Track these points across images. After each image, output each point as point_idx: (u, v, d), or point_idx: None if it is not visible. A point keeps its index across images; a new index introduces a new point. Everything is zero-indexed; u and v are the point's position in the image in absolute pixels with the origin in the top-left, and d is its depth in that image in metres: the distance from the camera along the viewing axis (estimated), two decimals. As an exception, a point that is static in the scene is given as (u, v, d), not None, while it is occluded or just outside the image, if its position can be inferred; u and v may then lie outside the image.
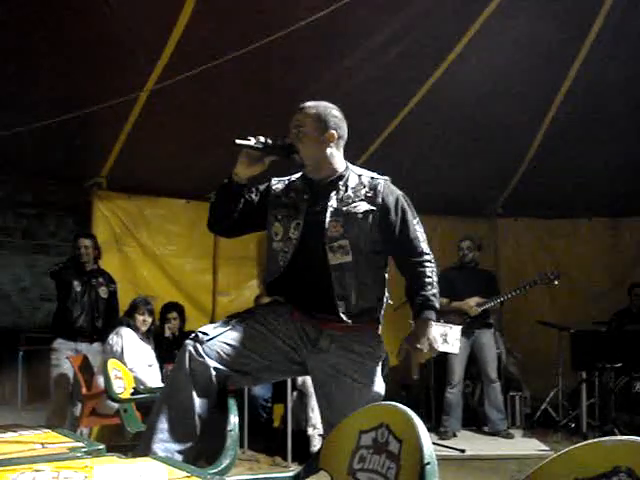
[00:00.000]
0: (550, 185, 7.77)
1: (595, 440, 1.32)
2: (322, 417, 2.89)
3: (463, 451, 6.16)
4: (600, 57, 6.28)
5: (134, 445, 4.77)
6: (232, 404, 2.58)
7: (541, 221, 8.48)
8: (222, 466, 2.33)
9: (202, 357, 2.65)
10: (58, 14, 4.82)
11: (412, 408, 1.80)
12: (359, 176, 2.95)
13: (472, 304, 6.81)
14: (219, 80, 5.60)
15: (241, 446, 6.02)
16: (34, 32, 4.97)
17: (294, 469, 2.20)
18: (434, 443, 6.27)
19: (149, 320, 5.97)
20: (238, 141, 2.87)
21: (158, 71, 5.41)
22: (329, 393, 2.77)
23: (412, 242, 2.90)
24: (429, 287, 2.82)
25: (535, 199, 8.14)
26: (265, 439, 6.41)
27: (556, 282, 6.71)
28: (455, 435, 6.78)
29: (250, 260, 7.63)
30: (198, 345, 2.68)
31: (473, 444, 6.51)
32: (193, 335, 2.75)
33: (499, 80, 6.25)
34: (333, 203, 2.86)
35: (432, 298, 2.81)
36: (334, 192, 2.89)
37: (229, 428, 2.50)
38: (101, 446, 2.33)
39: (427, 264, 2.87)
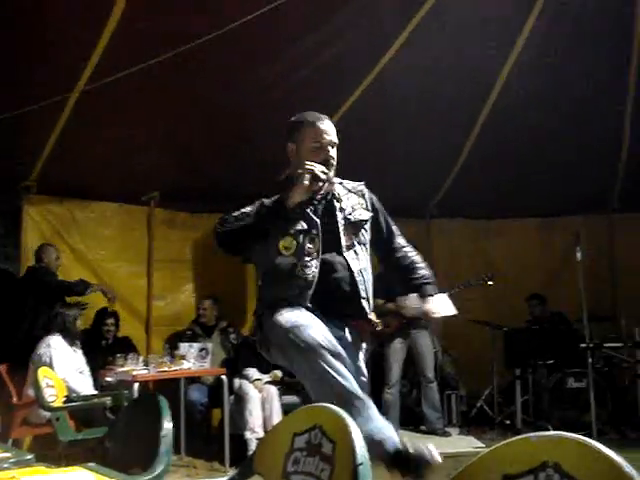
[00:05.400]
0: (483, 186, 7.88)
1: (523, 436, 1.34)
2: None
3: (401, 451, 6.19)
4: (531, 59, 6.39)
5: (67, 454, 4.70)
6: (165, 408, 2.54)
7: (475, 221, 8.59)
8: (155, 473, 2.29)
9: None
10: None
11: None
12: (340, 184, 3.19)
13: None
14: (152, 81, 5.53)
15: (178, 452, 5.96)
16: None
17: (232, 474, 2.18)
18: (372, 443, 6.29)
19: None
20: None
21: (89, 71, 5.30)
22: None
23: (399, 236, 3.31)
24: (426, 266, 3.26)
25: (469, 200, 8.24)
26: (203, 444, 6.36)
27: (490, 283, 6.82)
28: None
29: (185, 263, 7.55)
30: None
31: (411, 443, 6.54)
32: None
33: (432, 82, 6.31)
34: (341, 214, 3.09)
35: (431, 275, 3.24)
36: (336, 202, 3.11)
37: (162, 433, 2.45)
38: (29, 456, 2.26)
39: (414, 250, 3.31)
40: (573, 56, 6.28)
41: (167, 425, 2.50)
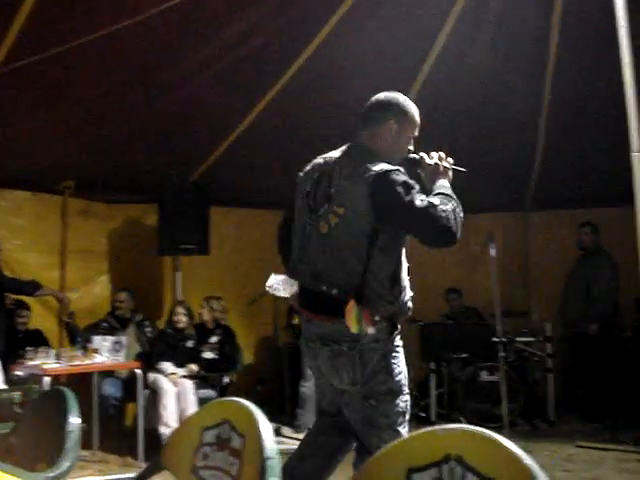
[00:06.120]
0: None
1: (429, 429, 1.35)
2: None
3: (317, 444, 6.21)
4: (451, 60, 6.46)
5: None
6: (72, 402, 2.48)
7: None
8: (60, 470, 2.24)
9: None
10: None
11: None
12: None
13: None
14: (70, 65, 5.37)
15: (91, 447, 5.86)
16: None
17: (140, 470, 2.14)
18: (288, 437, 6.30)
19: None
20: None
21: (3, 53, 5.11)
22: None
23: None
24: None
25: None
26: (117, 439, 6.25)
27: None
28: (310, 429, 6.83)
29: (100, 254, 7.38)
30: None
31: (327, 437, 6.57)
32: None
33: (350, 75, 6.30)
34: None
35: None
36: None
37: (69, 429, 2.39)
38: None
39: None
40: (491, 57, 6.39)
41: (74, 420, 2.44)
